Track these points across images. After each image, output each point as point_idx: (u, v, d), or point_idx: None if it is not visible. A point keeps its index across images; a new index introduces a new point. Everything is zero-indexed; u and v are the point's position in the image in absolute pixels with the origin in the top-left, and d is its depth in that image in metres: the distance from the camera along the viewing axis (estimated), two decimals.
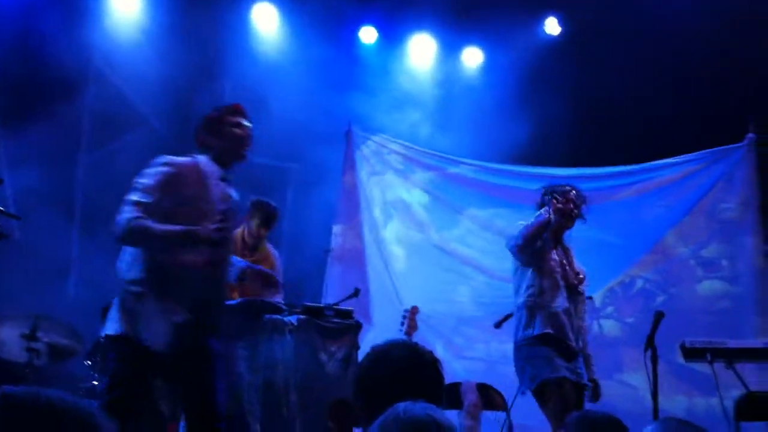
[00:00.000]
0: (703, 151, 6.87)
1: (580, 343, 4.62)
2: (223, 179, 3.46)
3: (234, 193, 3.53)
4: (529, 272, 4.61)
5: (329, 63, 7.54)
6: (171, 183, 3.30)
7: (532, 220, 4.59)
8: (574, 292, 4.65)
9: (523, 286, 4.62)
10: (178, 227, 3.20)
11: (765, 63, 6.97)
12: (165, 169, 3.34)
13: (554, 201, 4.60)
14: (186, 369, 3.29)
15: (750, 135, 6.73)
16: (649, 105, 7.32)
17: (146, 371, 3.24)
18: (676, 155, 6.89)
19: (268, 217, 5.48)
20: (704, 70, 6.97)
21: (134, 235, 3.21)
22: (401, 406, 1.67)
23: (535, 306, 4.54)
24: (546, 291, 4.55)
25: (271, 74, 7.43)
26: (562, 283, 4.59)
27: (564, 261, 4.69)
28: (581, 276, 4.73)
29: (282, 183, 7.54)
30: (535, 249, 4.57)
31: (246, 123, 3.58)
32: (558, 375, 4.40)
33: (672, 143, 6.90)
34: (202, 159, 3.46)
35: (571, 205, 4.66)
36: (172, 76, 6.89)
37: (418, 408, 1.66)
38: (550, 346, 4.47)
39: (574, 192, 4.73)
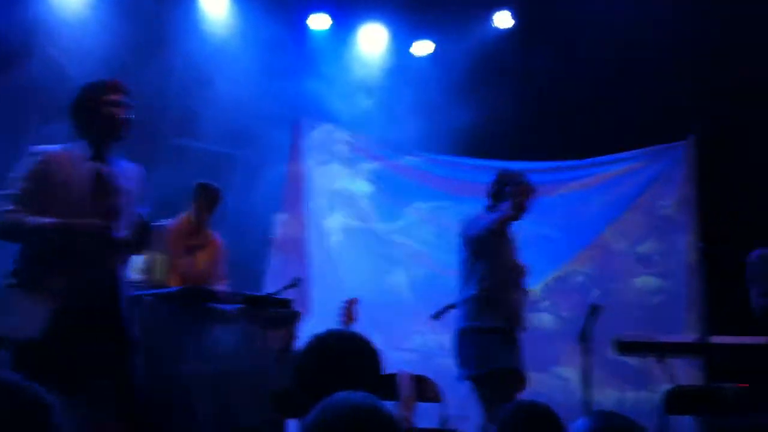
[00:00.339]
0: (644, 149, 7.00)
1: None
2: (101, 162, 3.34)
3: (128, 179, 3.43)
4: (482, 264, 4.62)
5: (279, 47, 7.48)
6: (41, 173, 3.23)
7: (496, 213, 4.62)
8: (521, 284, 4.70)
9: (475, 278, 4.62)
10: (51, 219, 3.13)
11: (709, 64, 7.11)
12: (34, 159, 3.26)
13: (516, 195, 4.62)
14: (85, 358, 3.17)
15: (690, 135, 6.85)
16: (595, 101, 7.40)
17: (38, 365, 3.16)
18: (619, 151, 7.01)
19: (210, 200, 5.42)
20: (651, 68, 7.08)
21: (6, 229, 3.16)
22: (341, 395, 1.68)
23: (487, 297, 4.56)
24: (499, 283, 4.58)
25: (219, 55, 7.34)
26: (512, 275, 4.64)
27: (513, 254, 4.74)
28: (524, 269, 4.78)
29: (227, 169, 7.47)
30: (493, 242, 4.61)
31: (125, 101, 3.43)
32: (505, 365, 4.47)
33: (615, 139, 7.01)
34: (74, 146, 3.36)
35: (528, 199, 4.69)
36: (118, 54, 6.76)
37: (358, 396, 1.67)
38: (500, 337, 4.52)
39: (528, 184, 4.74)
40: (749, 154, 6.61)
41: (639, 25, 7.06)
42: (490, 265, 4.60)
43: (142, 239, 3.36)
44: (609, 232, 6.96)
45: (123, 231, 3.32)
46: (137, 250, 3.58)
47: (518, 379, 4.56)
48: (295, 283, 5.58)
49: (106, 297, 3.34)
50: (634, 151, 7.01)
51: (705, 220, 6.51)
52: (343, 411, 1.63)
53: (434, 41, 8.14)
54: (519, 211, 4.63)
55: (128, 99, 3.45)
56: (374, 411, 1.64)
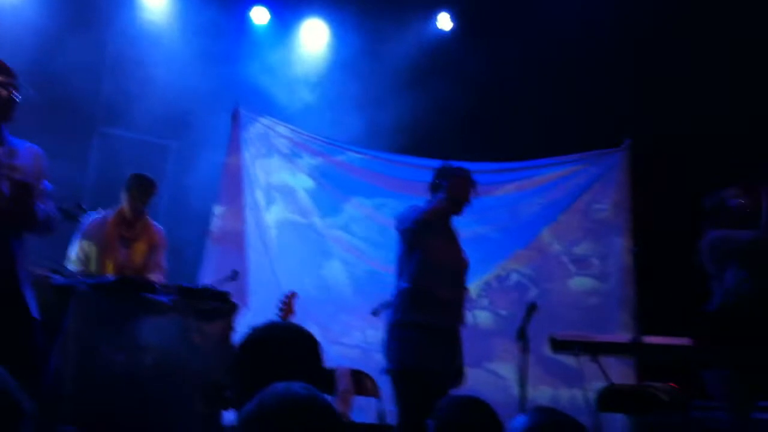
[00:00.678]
0: (583, 153, 7.13)
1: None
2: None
3: (23, 158, 3.35)
4: (415, 257, 4.52)
5: (218, 36, 7.38)
6: None
7: (429, 204, 4.57)
8: (459, 279, 4.66)
9: (408, 271, 4.53)
10: None
11: (646, 71, 7.28)
12: None
13: (453, 188, 4.60)
14: None
15: (627, 140, 7.01)
16: (535, 103, 7.50)
17: None
18: (557, 154, 7.12)
19: (143, 190, 5.31)
20: (590, 73, 7.20)
21: None
22: (279, 385, 1.65)
23: (416, 292, 4.46)
24: (431, 277, 4.48)
25: (155, 42, 7.19)
26: (448, 270, 4.57)
27: (451, 248, 4.70)
28: (464, 263, 4.75)
29: (161, 160, 7.32)
30: (426, 234, 4.53)
31: (10, 81, 3.35)
32: (422, 364, 4.34)
33: (554, 142, 7.11)
34: None
35: (466, 192, 4.67)
36: (50, 38, 6.56)
37: (297, 387, 1.65)
38: (426, 334, 4.40)
39: (466, 178, 4.72)
40: (682, 159, 6.78)
41: (577, 30, 7.18)
42: (422, 258, 4.50)
43: (21, 200, 3.27)
44: (547, 233, 7.05)
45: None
46: (25, 218, 3.43)
47: (440, 378, 4.41)
48: (233, 276, 5.52)
49: (4, 277, 3.26)
50: (572, 155, 7.13)
51: (638, 223, 6.67)
52: (281, 401, 1.60)
53: (375, 37, 8.12)
54: (454, 203, 4.60)
55: (14, 80, 3.35)
56: (313, 401, 1.62)
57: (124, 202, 5.30)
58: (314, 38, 8.06)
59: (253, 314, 5.59)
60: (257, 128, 7.24)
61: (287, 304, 5.14)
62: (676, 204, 6.54)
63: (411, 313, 4.43)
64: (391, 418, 5.38)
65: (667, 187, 6.87)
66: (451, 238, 4.75)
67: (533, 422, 2.21)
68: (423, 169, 6.76)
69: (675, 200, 6.60)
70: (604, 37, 7.18)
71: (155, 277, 5.18)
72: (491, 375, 6.68)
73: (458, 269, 4.66)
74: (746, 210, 4.56)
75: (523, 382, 4.85)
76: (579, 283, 6.95)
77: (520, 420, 2.25)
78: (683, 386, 5.63)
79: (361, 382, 5.79)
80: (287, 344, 2.24)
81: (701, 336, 4.74)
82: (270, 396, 1.62)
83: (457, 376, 4.62)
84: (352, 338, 6.71)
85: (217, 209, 6.88)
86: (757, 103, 6.63)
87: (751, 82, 6.78)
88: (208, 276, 6.12)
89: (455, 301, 4.57)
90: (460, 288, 4.66)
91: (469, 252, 6.87)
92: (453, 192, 4.58)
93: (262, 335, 2.28)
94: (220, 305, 4.98)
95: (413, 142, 7.24)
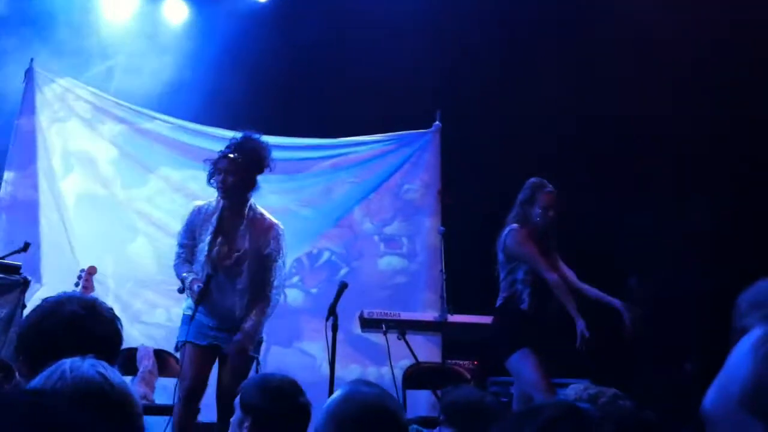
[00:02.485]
0: (395, 134, 7.22)
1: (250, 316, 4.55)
2: None
3: None
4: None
5: None
6: None
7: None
8: (232, 269, 4.58)
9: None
10: None
11: (458, 53, 7.48)
12: None
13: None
14: None
15: (437, 123, 7.19)
16: (348, 85, 7.50)
17: None
18: (370, 133, 7.17)
19: None
20: (403, 53, 7.29)
21: None
22: (67, 362, 1.54)
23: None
24: (198, 268, 4.58)
25: None
26: (207, 261, 4.55)
27: (219, 239, 4.58)
28: (237, 254, 4.62)
29: None
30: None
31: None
32: (186, 339, 4.51)
33: (367, 122, 7.15)
34: None
35: (224, 176, 4.58)
36: None
37: (87, 365, 1.54)
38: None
39: (226, 160, 4.61)
40: (492, 142, 7.05)
41: (394, 11, 7.26)
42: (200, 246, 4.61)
43: None
44: (358, 212, 7.08)
45: None
46: None
47: (199, 351, 4.52)
48: (25, 248, 5.17)
49: None
50: (384, 135, 7.20)
51: (446, 203, 6.87)
52: (71, 382, 1.51)
53: (188, 5, 7.79)
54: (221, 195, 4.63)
55: None
56: (106, 382, 1.52)
57: None
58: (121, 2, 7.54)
59: (47, 290, 5.18)
60: (54, 89, 6.71)
61: (86, 280, 4.84)
62: (484, 186, 6.81)
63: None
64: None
65: (475, 168, 7.13)
66: (222, 226, 4.70)
67: (347, 393, 2.23)
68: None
69: (483, 182, 6.87)
70: (419, 17, 7.30)
71: None
72: (302, 354, 6.64)
73: (218, 262, 4.67)
74: (548, 223, 4.87)
75: (332, 361, 4.85)
76: (387, 262, 7.05)
77: (336, 395, 2.26)
78: (484, 363, 5.89)
79: (164, 362, 5.58)
80: (80, 317, 2.11)
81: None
82: (56, 377, 1.52)
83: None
84: (156, 317, 6.41)
85: (8, 175, 6.33)
86: (571, 89, 7.01)
87: (563, 63, 7.16)
88: None
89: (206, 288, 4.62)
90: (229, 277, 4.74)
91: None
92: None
93: (52, 307, 2.15)
94: (10, 279, 4.67)
95: (228, 114, 7.00)
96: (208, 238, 4.54)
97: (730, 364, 0.71)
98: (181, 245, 4.65)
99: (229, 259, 4.54)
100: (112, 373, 1.55)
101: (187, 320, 4.53)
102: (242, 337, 4.47)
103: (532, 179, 5.00)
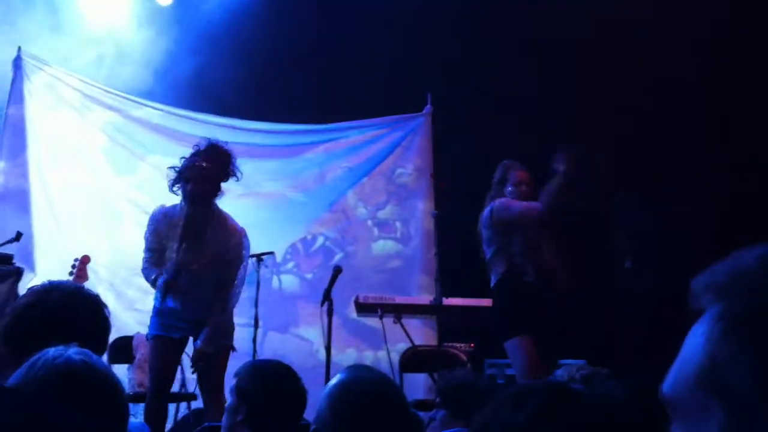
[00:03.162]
0: (387, 117, 7.20)
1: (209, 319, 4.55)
2: None
3: None
4: None
5: None
6: None
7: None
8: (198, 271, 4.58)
9: None
10: None
11: (450, 36, 7.44)
12: None
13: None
14: None
15: (428, 107, 7.17)
16: (340, 70, 7.46)
17: None
18: (363, 118, 7.15)
19: None
20: (395, 37, 7.25)
21: None
22: (51, 351, 1.52)
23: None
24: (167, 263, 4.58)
25: None
26: (173, 267, 4.54)
27: (184, 245, 4.55)
28: (203, 260, 4.59)
29: None
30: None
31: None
32: (157, 333, 4.54)
33: (360, 106, 7.12)
34: None
35: (192, 185, 4.55)
36: None
37: (70, 353, 1.52)
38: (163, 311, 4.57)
39: (195, 168, 4.58)
40: (484, 124, 7.02)
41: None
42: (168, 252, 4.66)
43: None
44: (352, 196, 7.07)
45: None
46: None
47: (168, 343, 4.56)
48: (17, 238, 5.13)
49: None
50: (377, 119, 7.19)
51: (439, 187, 6.86)
52: (55, 369, 1.49)
53: None
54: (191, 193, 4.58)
55: None
56: (90, 369, 1.52)
57: None
58: None
59: (40, 279, 5.15)
60: (43, 77, 6.66)
61: (79, 269, 4.82)
62: (476, 169, 6.78)
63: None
64: (192, 386, 5.21)
65: (467, 151, 7.10)
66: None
67: (347, 377, 2.23)
68: (222, 128, 6.56)
69: (476, 165, 6.84)
70: (412, 4, 7.26)
71: None
72: (299, 340, 6.64)
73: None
74: (522, 198, 4.88)
75: (328, 346, 4.85)
76: (382, 246, 7.04)
77: (336, 379, 2.26)
78: (481, 346, 5.89)
79: None
80: (66, 305, 2.10)
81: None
82: (40, 364, 1.50)
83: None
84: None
85: None
86: (566, 70, 6.99)
87: (556, 44, 7.12)
88: None
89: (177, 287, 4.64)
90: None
91: (279, 215, 6.80)
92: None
93: (40, 295, 2.13)
94: (3, 269, 4.64)
95: (219, 100, 6.96)
96: (175, 245, 4.52)
97: (685, 345, 0.71)
98: (149, 250, 4.64)
99: (196, 264, 4.53)
100: (96, 360, 1.54)
101: (156, 312, 4.59)
102: (210, 331, 4.48)
103: (504, 161, 5.07)
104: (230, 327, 4.68)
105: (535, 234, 4.88)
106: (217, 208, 4.66)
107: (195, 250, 4.54)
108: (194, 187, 4.48)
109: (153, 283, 4.58)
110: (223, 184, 4.64)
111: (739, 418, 0.66)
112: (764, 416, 0.64)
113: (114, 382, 1.55)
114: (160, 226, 4.61)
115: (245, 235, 4.71)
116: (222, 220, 4.66)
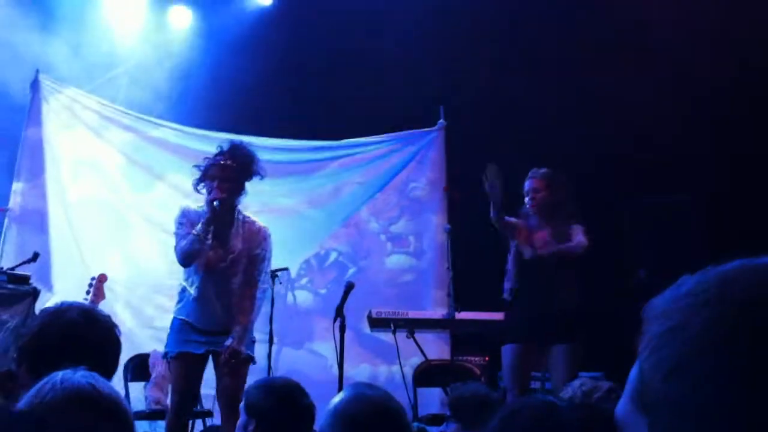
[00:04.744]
0: (400, 133, 7.24)
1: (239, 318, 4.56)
2: None
3: None
4: None
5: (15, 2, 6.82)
6: None
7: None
8: (226, 270, 4.61)
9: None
10: None
11: (462, 51, 7.49)
12: None
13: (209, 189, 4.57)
14: None
15: (441, 122, 7.21)
16: (353, 85, 7.52)
17: None
18: (376, 133, 7.20)
19: None
20: (408, 52, 7.32)
21: None
22: (59, 374, 1.56)
23: (182, 289, 4.65)
24: (190, 276, 4.62)
25: None
26: (203, 268, 4.56)
27: (212, 242, 4.57)
28: (232, 255, 4.62)
29: None
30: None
31: None
32: (180, 350, 4.50)
33: (373, 121, 7.18)
34: None
35: (217, 183, 4.54)
36: None
37: (78, 376, 1.56)
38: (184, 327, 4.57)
39: (218, 167, 4.57)
40: (494, 139, 7.04)
41: (399, 11, 7.28)
42: None
43: None
44: (364, 211, 7.11)
45: None
46: None
47: (194, 360, 4.54)
48: (34, 258, 5.20)
49: None
50: (390, 135, 7.22)
51: (453, 197, 6.89)
52: (62, 393, 1.53)
53: (192, 10, 7.82)
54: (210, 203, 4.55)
55: None
56: (96, 393, 1.55)
57: None
58: (128, 9, 7.57)
59: (58, 298, 5.23)
60: (60, 99, 6.77)
61: (96, 288, 4.88)
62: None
63: (176, 308, 4.77)
64: (208, 403, 5.26)
65: (481, 165, 7.11)
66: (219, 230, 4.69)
67: (349, 397, 2.26)
68: None
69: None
70: (422, 16, 7.31)
71: None
72: (313, 355, 6.68)
73: (214, 266, 4.70)
74: (538, 205, 4.94)
75: (341, 361, 4.88)
76: (395, 260, 7.08)
77: (340, 398, 2.28)
78: (494, 359, 5.90)
79: None
80: (79, 326, 2.13)
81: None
82: (47, 388, 1.54)
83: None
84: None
85: (16, 186, 6.38)
86: (577, 83, 7.02)
87: (568, 58, 7.15)
88: (8, 258, 5.67)
89: (203, 299, 4.67)
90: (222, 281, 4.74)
91: (292, 231, 6.84)
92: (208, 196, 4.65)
93: (52, 316, 2.17)
94: (20, 289, 4.69)
95: (233, 119, 7.05)
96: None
97: (632, 369, 0.76)
98: (182, 236, 4.59)
99: (224, 261, 4.57)
100: (102, 383, 1.58)
101: (176, 328, 4.59)
102: (234, 341, 4.48)
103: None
104: (251, 338, 4.70)
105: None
106: (239, 206, 4.69)
107: (223, 246, 4.56)
108: (219, 184, 4.52)
109: (192, 242, 4.49)
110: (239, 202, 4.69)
111: None
112: None
113: (120, 402, 1.59)
114: (191, 216, 4.61)
115: (269, 233, 4.73)
116: (246, 217, 4.70)
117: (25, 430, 1.37)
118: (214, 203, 4.48)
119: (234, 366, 4.42)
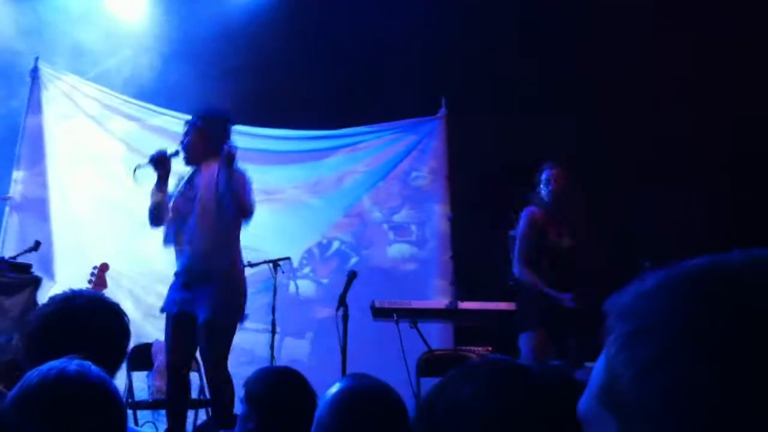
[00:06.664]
0: (402, 121, 7.20)
1: None
2: None
3: None
4: None
5: None
6: None
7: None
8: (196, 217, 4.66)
9: None
10: None
11: (466, 41, 7.45)
12: None
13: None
14: None
15: (442, 110, 7.17)
16: (354, 74, 7.49)
17: None
18: (377, 122, 7.16)
19: None
20: (411, 42, 7.28)
21: None
22: (49, 364, 1.56)
23: None
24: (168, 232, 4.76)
25: None
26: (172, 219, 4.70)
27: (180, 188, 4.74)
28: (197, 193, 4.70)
29: None
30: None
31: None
32: (164, 307, 4.61)
33: (375, 109, 7.14)
34: None
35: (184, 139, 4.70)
36: None
37: (66, 365, 1.55)
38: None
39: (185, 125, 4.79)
40: (496, 127, 7.01)
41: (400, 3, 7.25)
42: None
43: None
44: (367, 200, 7.09)
45: None
46: None
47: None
48: (35, 247, 5.19)
49: None
50: (391, 123, 7.19)
51: (455, 190, 6.87)
52: (47, 383, 1.52)
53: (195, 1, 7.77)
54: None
55: None
56: (82, 384, 1.54)
57: None
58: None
59: (60, 287, 5.21)
60: (60, 87, 6.73)
61: (98, 277, 4.87)
62: (490, 171, 6.79)
63: None
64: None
65: (483, 154, 7.09)
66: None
67: (345, 388, 2.23)
68: (248, 136, 6.59)
69: (490, 168, 6.84)
70: (424, 4, 7.27)
71: None
72: (314, 344, 6.65)
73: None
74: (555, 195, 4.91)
75: (344, 350, 4.87)
76: (397, 250, 7.05)
77: (336, 389, 2.26)
78: (498, 349, 5.87)
79: None
80: (88, 313, 2.12)
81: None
82: (35, 378, 1.54)
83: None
84: None
85: (17, 174, 6.36)
86: (579, 71, 6.98)
87: (570, 46, 7.11)
88: (9, 247, 5.66)
89: None
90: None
91: (294, 220, 6.80)
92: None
93: (61, 304, 2.15)
94: (22, 278, 4.69)
95: (234, 108, 6.99)
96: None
97: (595, 365, 0.74)
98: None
99: (190, 209, 4.60)
100: (93, 373, 1.56)
101: (171, 284, 4.65)
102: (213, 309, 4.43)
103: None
104: (241, 299, 4.59)
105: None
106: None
107: (187, 193, 4.65)
108: (190, 139, 4.55)
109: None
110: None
111: None
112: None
113: (108, 390, 1.58)
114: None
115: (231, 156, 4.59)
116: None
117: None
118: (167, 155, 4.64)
119: (211, 333, 4.38)
